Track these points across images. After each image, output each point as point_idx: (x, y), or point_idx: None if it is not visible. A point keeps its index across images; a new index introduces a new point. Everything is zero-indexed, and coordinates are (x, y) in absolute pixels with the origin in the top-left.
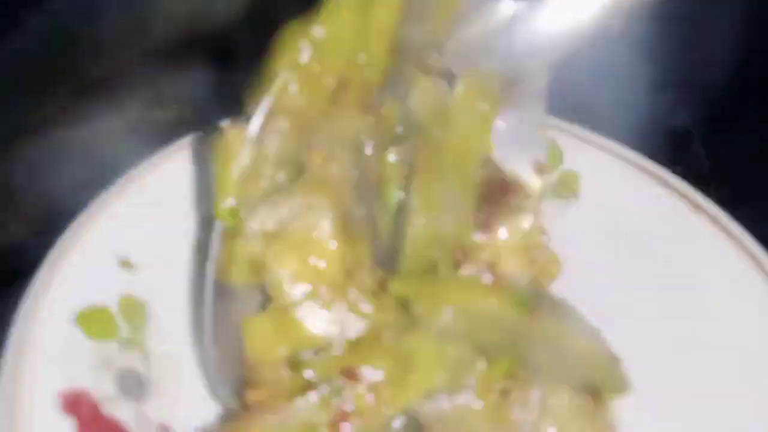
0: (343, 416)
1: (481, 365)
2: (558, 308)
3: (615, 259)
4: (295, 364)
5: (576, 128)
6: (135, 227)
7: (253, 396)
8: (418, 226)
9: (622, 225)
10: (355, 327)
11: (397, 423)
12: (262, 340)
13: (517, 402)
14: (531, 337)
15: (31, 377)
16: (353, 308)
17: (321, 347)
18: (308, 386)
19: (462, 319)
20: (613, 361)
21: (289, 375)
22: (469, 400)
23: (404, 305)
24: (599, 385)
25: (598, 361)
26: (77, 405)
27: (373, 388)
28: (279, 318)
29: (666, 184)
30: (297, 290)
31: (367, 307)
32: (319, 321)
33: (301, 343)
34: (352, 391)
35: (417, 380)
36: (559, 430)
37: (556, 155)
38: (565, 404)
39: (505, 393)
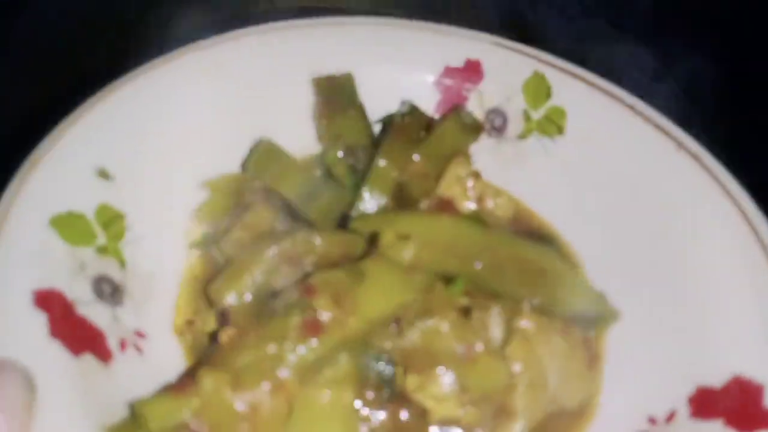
0: (310, 326)
1: (440, 287)
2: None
3: (599, 194)
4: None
5: (565, 63)
6: (114, 139)
7: (226, 334)
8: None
9: (606, 160)
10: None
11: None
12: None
13: (479, 320)
14: (490, 260)
15: (4, 275)
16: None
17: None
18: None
19: (424, 248)
20: (599, 295)
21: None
22: (434, 325)
23: (370, 239)
24: (587, 316)
25: (584, 295)
26: (50, 303)
27: (335, 299)
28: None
29: (650, 121)
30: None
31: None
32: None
33: None
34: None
35: (373, 292)
36: (528, 351)
37: (543, 90)
38: (533, 327)
39: (467, 312)
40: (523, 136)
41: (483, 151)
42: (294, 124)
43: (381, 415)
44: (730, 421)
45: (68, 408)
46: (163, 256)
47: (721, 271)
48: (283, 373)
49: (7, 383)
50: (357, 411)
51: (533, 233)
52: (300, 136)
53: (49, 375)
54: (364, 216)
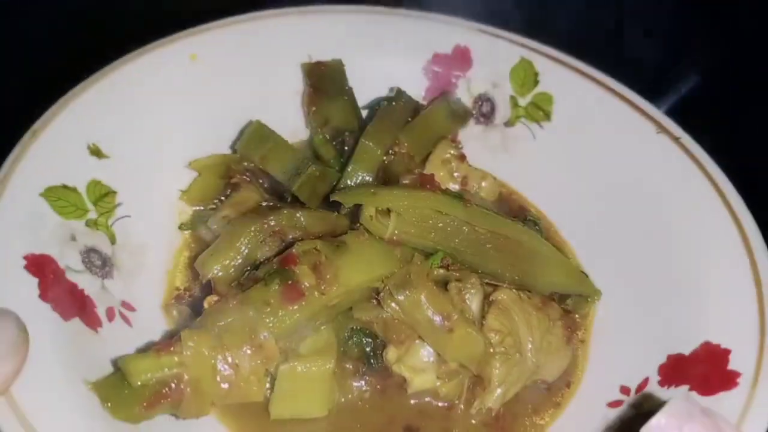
0: (290, 292)
1: (419, 259)
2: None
3: (585, 178)
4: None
5: (552, 50)
6: (107, 119)
7: (210, 300)
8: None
9: (592, 145)
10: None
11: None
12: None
13: (457, 292)
14: (469, 236)
15: None
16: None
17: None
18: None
19: (404, 222)
20: (580, 274)
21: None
22: (413, 296)
23: (353, 214)
24: (568, 294)
25: (563, 274)
26: (41, 267)
27: (315, 268)
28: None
29: (632, 105)
30: None
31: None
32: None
33: None
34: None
35: (354, 263)
36: (504, 322)
37: (530, 77)
38: (510, 300)
39: (445, 284)
40: (510, 123)
41: (471, 136)
42: (284, 108)
43: (362, 386)
44: (695, 386)
45: (56, 363)
46: (153, 233)
47: (697, 248)
48: (263, 336)
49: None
50: (338, 382)
51: (519, 215)
52: (289, 121)
53: (39, 335)
54: (346, 189)
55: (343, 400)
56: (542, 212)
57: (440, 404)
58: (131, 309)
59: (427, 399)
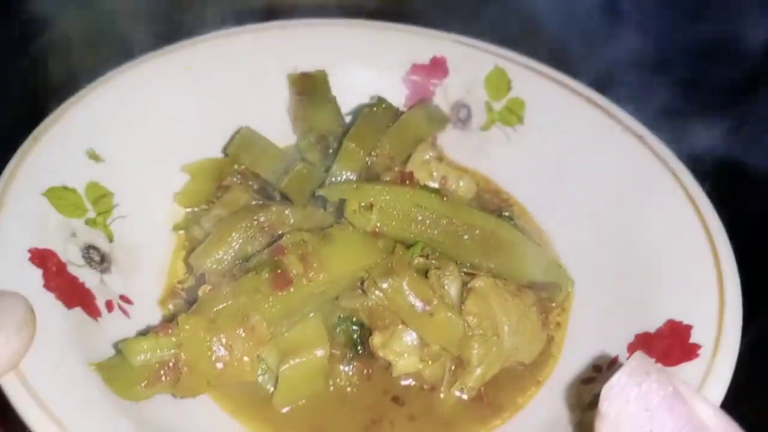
0: (279, 280)
1: (400, 249)
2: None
3: (554, 174)
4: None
5: (523, 58)
6: (105, 124)
7: (204, 289)
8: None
9: (562, 145)
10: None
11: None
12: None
13: (436, 279)
14: (447, 228)
15: (4, 233)
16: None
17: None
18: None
19: (386, 215)
20: (553, 263)
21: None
22: (395, 284)
23: (338, 209)
24: (543, 282)
25: (538, 263)
26: (45, 260)
27: (302, 258)
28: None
29: (598, 107)
30: None
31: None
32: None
33: None
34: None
35: (339, 253)
36: (482, 306)
37: (504, 83)
38: (487, 286)
39: (425, 272)
40: (486, 127)
41: (450, 141)
42: (271, 116)
43: (349, 371)
44: (659, 359)
45: (62, 344)
46: (148, 233)
47: (661, 235)
48: (255, 320)
49: (8, 306)
50: (328, 366)
51: (495, 211)
52: (277, 127)
53: (44, 320)
54: (331, 185)
55: (332, 385)
56: (520, 204)
57: (424, 386)
58: (129, 302)
59: (412, 382)
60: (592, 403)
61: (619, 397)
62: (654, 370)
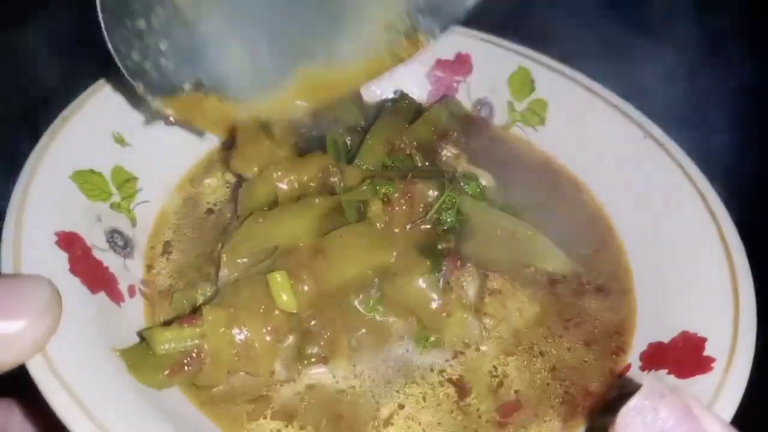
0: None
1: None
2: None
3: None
4: None
5: (547, 59)
6: (130, 110)
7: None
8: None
9: (583, 148)
10: None
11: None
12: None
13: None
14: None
15: (32, 216)
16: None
17: None
18: None
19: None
20: (558, 255)
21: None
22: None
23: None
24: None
25: (549, 256)
26: (71, 244)
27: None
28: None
29: (621, 112)
30: None
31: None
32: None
33: None
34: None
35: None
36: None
37: (527, 84)
38: (505, 290)
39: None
40: (507, 127)
41: (470, 139)
42: None
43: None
44: (672, 370)
45: (86, 328)
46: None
47: (679, 246)
48: (275, 313)
49: (33, 290)
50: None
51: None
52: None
53: (69, 304)
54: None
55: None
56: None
57: None
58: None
59: None
60: (605, 408)
61: (635, 422)
62: (668, 391)
